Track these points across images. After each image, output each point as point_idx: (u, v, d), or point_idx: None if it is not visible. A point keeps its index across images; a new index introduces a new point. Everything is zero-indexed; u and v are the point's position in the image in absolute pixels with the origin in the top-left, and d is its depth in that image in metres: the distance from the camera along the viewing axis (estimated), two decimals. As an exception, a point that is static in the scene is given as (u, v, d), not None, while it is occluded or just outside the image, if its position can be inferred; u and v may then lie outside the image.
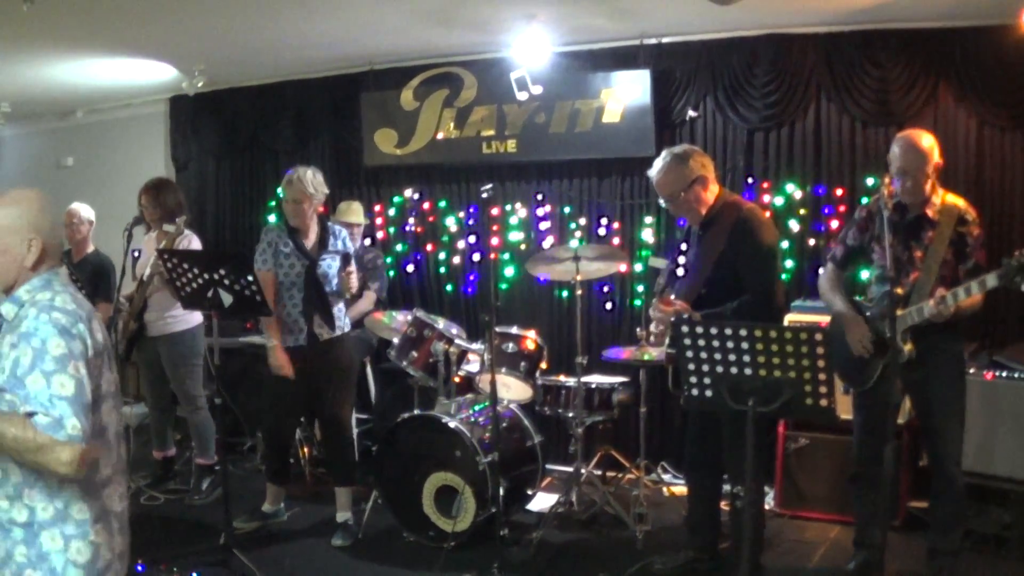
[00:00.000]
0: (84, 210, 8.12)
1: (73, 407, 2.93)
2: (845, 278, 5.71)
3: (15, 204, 3.17)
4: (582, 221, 8.24)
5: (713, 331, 4.19)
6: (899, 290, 4.96)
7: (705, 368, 4.27)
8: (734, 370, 4.19)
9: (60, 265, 3.29)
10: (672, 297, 5.53)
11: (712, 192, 5.50)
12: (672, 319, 5.14)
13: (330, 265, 6.47)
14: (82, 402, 2.96)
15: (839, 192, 7.30)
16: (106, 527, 3.18)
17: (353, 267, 6.48)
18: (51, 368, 2.94)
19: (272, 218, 9.14)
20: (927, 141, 5.12)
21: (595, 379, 7.02)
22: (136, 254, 7.60)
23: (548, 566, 6.07)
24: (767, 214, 7.13)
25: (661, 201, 5.72)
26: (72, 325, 3.04)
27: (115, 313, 7.08)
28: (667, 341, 5.55)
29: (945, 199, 5.17)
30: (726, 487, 5.64)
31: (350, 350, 6.75)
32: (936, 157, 5.11)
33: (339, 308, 6.57)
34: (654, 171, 5.58)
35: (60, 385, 2.93)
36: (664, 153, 5.61)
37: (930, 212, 5.14)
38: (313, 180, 6.43)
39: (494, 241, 8.40)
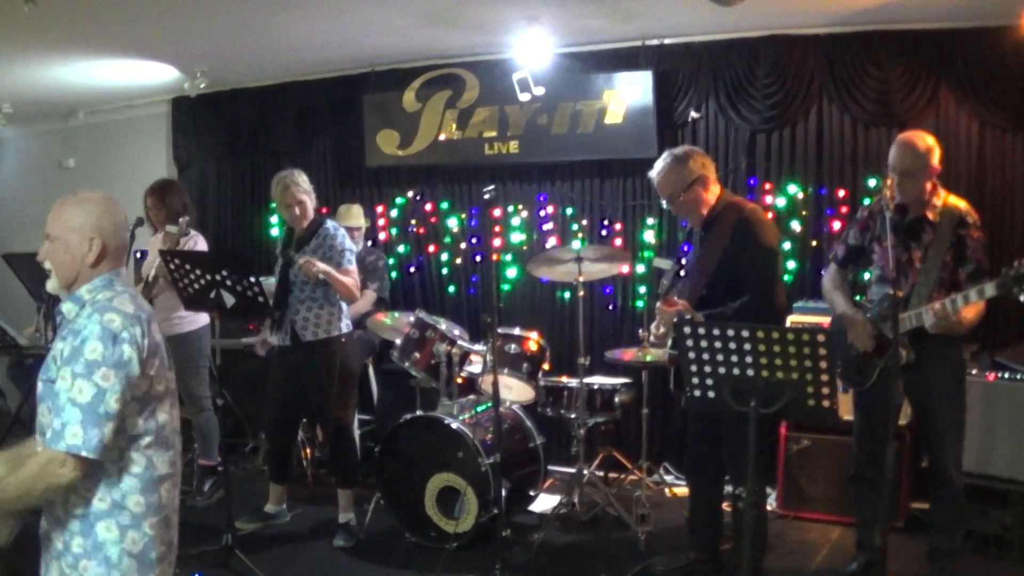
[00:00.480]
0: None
1: (83, 415, 2.95)
2: (848, 279, 5.72)
3: (79, 204, 3.24)
4: (584, 222, 8.25)
5: (715, 332, 4.19)
6: (899, 292, 4.97)
7: (707, 369, 4.27)
8: (736, 371, 4.19)
9: (122, 266, 3.34)
10: (675, 298, 5.53)
11: (713, 193, 5.50)
12: (675, 320, 5.15)
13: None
14: (97, 411, 2.98)
15: (841, 193, 7.31)
16: (162, 521, 3.27)
17: (347, 268, 6.47)
18: (79, 370, 2.98)
19: (275, 219, 9.22)
20: (925, 142, 5.12)
21: (597, 380, 7.03)
22: (139, 255, 7.61)
23: (550, 567, 6.07)
24: (769, 215, 7.16)
25: (663, 202, 5.72)
26: (124, 328, 3.07)
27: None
28: (669, 342, 5.56)
29: (947, 201, 5.17)
30: (728, 488, 5.65)
31: (341, 353, 6.60)
32: (935, 158, 5.11)
33: (324, 312, 6.48)
34: (654, 172, 5.59)
35: (79, 390, 2.97)
36: (665, 154, 5.62)
37: (930, 214, 5.14)
38: (303, 180, 6.49)
39: (496, 242, 8.40)
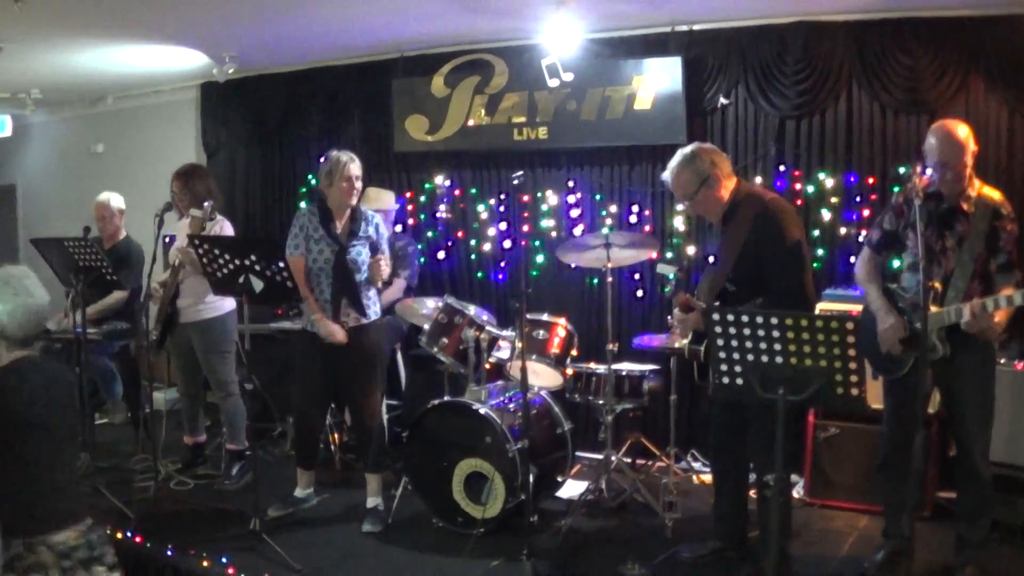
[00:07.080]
0: (114, 200, 8.26)
1: None
2: (881, 265, 5.66)
3: None
4: (613, 208, 8.24)
5: (744, 319, 4.17)
6: (936, 284, 4.95)
7: (736, 356, 4.25)
8: (765, 358, 4.17)
9: None
10: (695, 298, 5.52)
11: (727, 188, 5.42)
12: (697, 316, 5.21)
13: (359, 252, 6.44)
14: None
15: (870, 180, 7.26)
16: None
17: (384, 255, 6.50)
18: None
19: (303, 204, 9.22)
20: (963, 131, 5.06)
21: (625, 366, 7.02)
22: (167, 240, 7.65)
23: (577, 553, 6.07)
24: (798, 202, 7.15)
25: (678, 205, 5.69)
26: None
27: (146, 299, 7.16)
28: (690, 335, 5.56)
29: (981, 191, 5.12)
30: (751, 476, 5.64)
31: (378, 337, 6.68)
32: (972, 146, 5.07)
33: (371, 295, 6.55)
34: (667, 175, 5.56)
35: None
36: (676, 155, 5.58)
37: (965, 204, 5.09)
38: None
39: (525, 228, 8.40)
